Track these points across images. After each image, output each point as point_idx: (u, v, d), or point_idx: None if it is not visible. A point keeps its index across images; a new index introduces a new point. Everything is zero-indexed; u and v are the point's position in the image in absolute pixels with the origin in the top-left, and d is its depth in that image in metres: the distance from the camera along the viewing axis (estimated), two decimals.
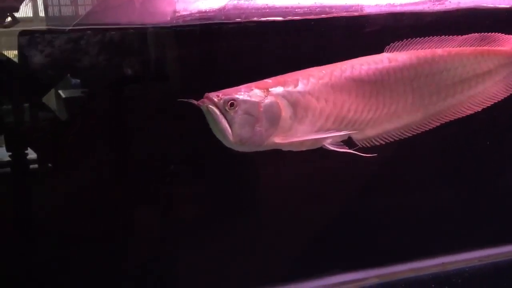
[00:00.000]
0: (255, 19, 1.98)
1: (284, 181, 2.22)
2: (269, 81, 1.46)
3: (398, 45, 1.57)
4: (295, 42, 2.09)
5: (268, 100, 1.40)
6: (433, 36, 1.60)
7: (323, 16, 2.04)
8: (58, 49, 1.82)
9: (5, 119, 1.90)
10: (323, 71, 1.49)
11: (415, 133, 1.61)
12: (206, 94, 1.37)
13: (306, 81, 1.46)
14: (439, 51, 1.63)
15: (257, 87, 1.42)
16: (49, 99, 1.96)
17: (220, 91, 1.38)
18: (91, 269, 1.95)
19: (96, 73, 1.90)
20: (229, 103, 1.36)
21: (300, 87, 1.45)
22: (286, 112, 1.42)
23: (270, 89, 1.42)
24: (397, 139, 1.59)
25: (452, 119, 1.67)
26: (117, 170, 2.01)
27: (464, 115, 1.68)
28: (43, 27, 2.00)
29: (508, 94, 1.71)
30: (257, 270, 2.19)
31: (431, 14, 2.14)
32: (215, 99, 1.36)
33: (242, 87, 1.42)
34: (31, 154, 1.92)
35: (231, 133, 1.36)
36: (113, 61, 1.93)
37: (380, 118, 1.55)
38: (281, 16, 2.00)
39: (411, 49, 1.59)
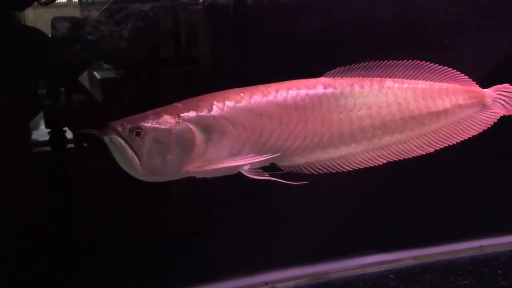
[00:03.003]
0: None
1: None
2: (179, 105, 1.35)
3: (343, 70, 1.46)
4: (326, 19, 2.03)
5: (180, 126, 1.30)
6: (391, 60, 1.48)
7: None
8: (89, 33, 1.83)
9: (44, 97, 1.92)
10: (241, 94, 1.37)
11: (358, 168, 1.50)
12: (109, 123, 1.27)
13: (222, 104, 1.34)
14: (389, 81, 1.50)
15: (167, 113, 1.31)
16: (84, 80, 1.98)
17: (125, 119, 1.29)
18: (125, 247, 1.99)
19: (128, 55, 1.89)
20: (134, 132, 1.26)
21: (215, 111, 1.33)
22: (199, 138, 1.31)
23: (181, 114, 1.31)
24: (336, 171, 1.49)
25: (402, 158, 1.54)
26: None
27: (415, 155, 1.56)
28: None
29: (464, 138, 1.59)
30: (292, 249, 2.19)
31: None
32: (119, 128, 1.26)
33: (150, 113, 1.32)
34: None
35: (139, 164, 1.27)
36: (145, 42, 1.91)
37: (310, 147, 1.43)
38: None
39: (356, 75, 1.47)
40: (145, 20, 1.88)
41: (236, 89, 1.40)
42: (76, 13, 1.94)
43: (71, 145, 1.94)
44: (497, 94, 1.60)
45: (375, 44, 2.02)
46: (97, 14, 1.86)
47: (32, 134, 1.97)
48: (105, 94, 1.96)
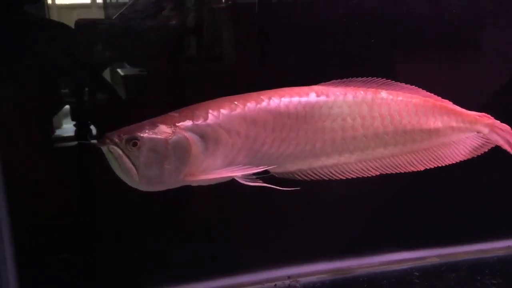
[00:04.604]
0: None
1: None
2: (175, 114, 1.35)
3: (338, 82, 1.46)
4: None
5: (176, 136, 1.30)
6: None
7: None
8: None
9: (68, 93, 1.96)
10: (235, 102, 1.37)
11: (351, 177, 1.50)
12: (106, 134, 1.28)
13: (217, 113, 1.34)
14: (383, 93, 1.48)
15: (163, 123, 1.31)
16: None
17: (121, 129, 1.29)
18: (149, 238, 2.01)
19: (151, 52, 1.90)
20: (131, 143, 1.27)
21: (210, 119, 1.33)
22: (195, 147, 1.31)
23: (177, 124, 1.31)
24: (329, 178, 1.48)
25: (394, 172, 1.53)
26: None
27: (406, 171, 1.54)
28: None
29: (454, 162, 1.57)
30: (315, 244, 2.19)
31: None
32: (116, 139, 1.27)
33: (146, 123, 1.32)
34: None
35: (136, 174, 1.27)
36: (169, 40, 1.92)
37: (303, 154, 1.43)
38: None
39: (352, 86, 1.46)
40: (169, 18, 1.89)
41: (229, 97, 1.40)
42: (100, 13, 1.97)
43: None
44: (495, 127, 1.59)
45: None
46: (120, 13, 1.88)
47: (55, 131, 2.01)
48: (128, 91, 1.97)
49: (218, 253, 2.11)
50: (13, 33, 1.78)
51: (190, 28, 1.96)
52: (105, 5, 1.99)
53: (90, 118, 1.96)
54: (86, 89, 1.94)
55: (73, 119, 1.96)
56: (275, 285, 2.09)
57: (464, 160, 1.70)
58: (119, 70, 2.01)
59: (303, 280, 2.13)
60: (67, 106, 1.97)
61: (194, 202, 2.04)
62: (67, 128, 2.00)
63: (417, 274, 2.16)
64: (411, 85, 1.56)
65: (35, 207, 1.85)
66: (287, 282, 2.11)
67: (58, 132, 2.01)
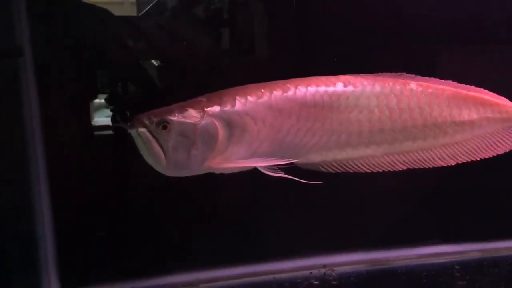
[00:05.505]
0: None
1: None
2: (203, 99, 1.33)
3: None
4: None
5: (205, 121, 1.28)
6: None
7: None
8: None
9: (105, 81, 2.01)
10: (262, 90, 1.34)
11: (377, 171, 1.44)
12: (136, 116, 1.26)
13: (244, 100, 1.32)
14: (412, 85, 1.42)
15: (192, 107, 1.29)
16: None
17: (151, 112, 1.28)
18: (183, 225, 2.03)
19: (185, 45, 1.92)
20: (161, 126, 1.25)
21: (238, 106, 1.31)
22: (222, 133, 1.29)
23: (206, 109, 1.29)
24: (354, 170, 1.43)
25: (423, 167, 1.47)
26: None
27: (436, 166, 1.47)
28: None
29: (491, 155, 1.48)
30: (352, 234, 2.16)
31: None
32: (146, 122, 1.25)
33: (175, 107, 1.30)
34: None
35: (164, 158, 1.26)
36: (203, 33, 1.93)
37: (328, 145, 1.38)
38: None
39: (380, 78, 1.41)
40: (203, 11, 1.89)
41: (256, 84, 1.38)
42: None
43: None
44: None
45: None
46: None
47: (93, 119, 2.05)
48: (161, 81, 2.00)
49: (254, 240, 2.11)
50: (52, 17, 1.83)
51: (224, 20, 1.97)
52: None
53: (125, 105, 2.00)
54: (123, 76, 1.98)
55: (110, 104, 1.99)
56: (311, 273, 2.09)
57: (508, 155, 1.65)
58: (153, 61, 2.04)
59: (339, 269, 2.12)
60: (97, 100, 2.02)
61: (229, 191, 2.04)
62: (98, 121, 2.05)
63: (458, 268, 2.11)
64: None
65: (76, 188, 1.91)
66: (322, 271, 2.10)
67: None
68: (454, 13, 2.01)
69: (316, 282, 2.03)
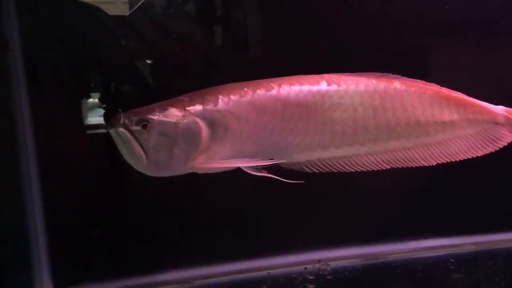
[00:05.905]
0: None
1: None
2: (185, 98, 1.32)
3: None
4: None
5: (187, 120, 1.27)
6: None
7: None
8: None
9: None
10: (245, 89, 1.33)
11: (361, 170, 1.45)
12: (115, 115, 1.25)
13: (227, 98, 1.31)
14: (396, 84, 1.42)
15: (173, 106, 1.28)
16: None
17: (131, 111, 1.26)
18: (182, 221, 2.02)
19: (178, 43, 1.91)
20: (141, 125, 1.24)
21: (220, 105, 1.30)
22: (205, 132, 1.28)
23: (188, 108, 1.28)
24: (338, 170, 1.44)
25: (405, 166, 1.47)
26: None
27: (418, 165, 1.48)
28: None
29: (470, 156, 1.50)
30: (348, 230, 2.17)
31: None
32: (126, 121, 1.24)
33: (156, 106, 1.29)
34: None
35: (145, 158, 1.25)
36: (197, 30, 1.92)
37: (312, 145, 1.38)
38: None
39: (364, 76, 1.41)
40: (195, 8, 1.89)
41: (239, 83, 1.38)
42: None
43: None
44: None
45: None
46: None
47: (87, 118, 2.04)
48: (155, 79, 1.99)
49: (249, 236, 2.11)
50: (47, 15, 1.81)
51: (216, 17, 1.96)
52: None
53: (119, 104, 1.97)
54: (116, 75, 1.96)
55: (103, 102, 1.98)
56: (305, 268, 2.08)
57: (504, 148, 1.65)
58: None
59: (334, 264, 2.12)
60: (91, 99, 2.00)
61: (225, 184, 2.02)
62: (92, 120, 2.03)
63: (453, 260, 2.12)
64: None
65: (68, 187, 1.91)
66: (317, 266, 2.10)
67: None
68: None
69: (311, 277, 2.02)
